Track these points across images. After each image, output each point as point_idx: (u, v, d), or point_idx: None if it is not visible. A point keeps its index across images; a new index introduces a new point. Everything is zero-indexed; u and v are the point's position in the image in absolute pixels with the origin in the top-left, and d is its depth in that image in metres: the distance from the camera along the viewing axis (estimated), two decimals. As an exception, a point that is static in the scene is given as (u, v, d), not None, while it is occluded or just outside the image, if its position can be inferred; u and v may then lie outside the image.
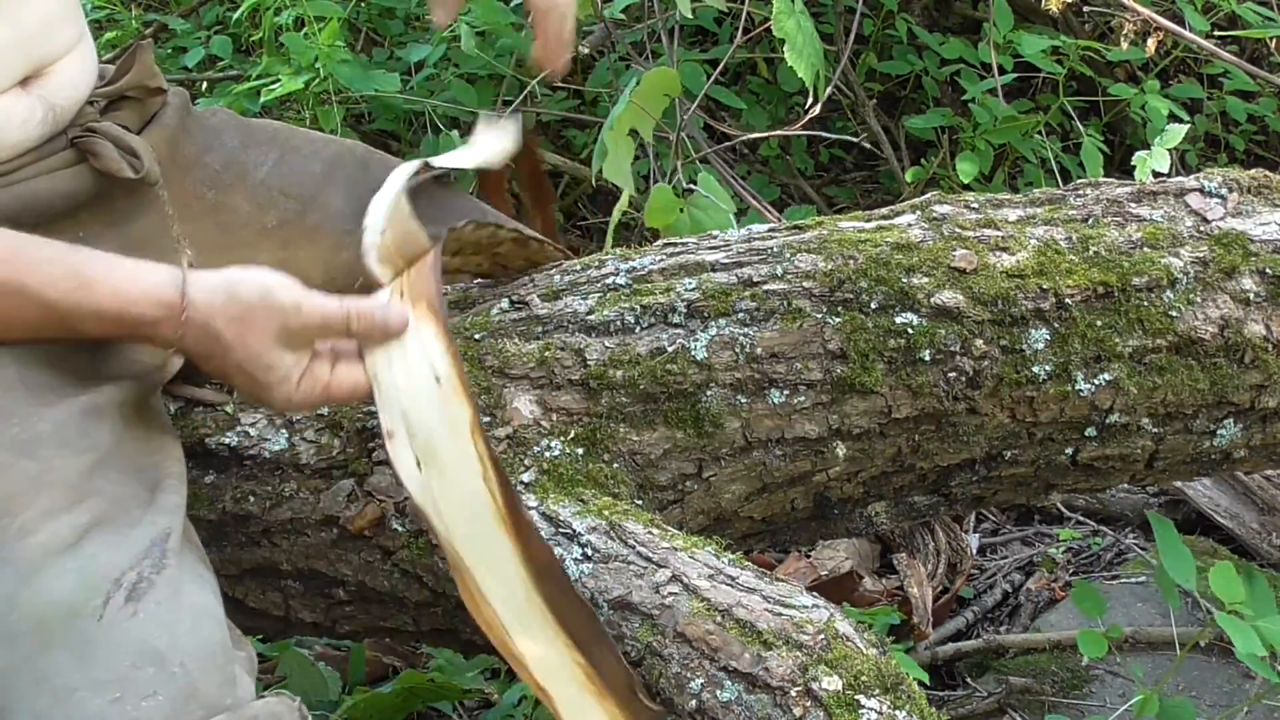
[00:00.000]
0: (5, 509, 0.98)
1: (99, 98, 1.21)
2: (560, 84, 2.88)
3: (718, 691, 1.06)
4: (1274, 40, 2.61)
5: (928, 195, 1.44)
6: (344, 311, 1.11)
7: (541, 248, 1.44)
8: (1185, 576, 1.49)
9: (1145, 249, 1.35)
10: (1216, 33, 2.69)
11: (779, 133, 2.59)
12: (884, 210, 1.43)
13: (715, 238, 1.41)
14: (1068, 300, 1.31)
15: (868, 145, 2.84)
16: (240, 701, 1.00)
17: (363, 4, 2.83)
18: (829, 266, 1.32)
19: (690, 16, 2.15)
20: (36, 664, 0.95)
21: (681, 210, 1.82)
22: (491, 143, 1.42)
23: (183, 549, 1.04)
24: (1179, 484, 2.14)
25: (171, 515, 1.04)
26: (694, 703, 1.07)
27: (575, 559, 1.15)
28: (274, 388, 1.09)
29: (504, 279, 1.42)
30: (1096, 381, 1.32)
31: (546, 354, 1.28)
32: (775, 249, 1.34)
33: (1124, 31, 2.32)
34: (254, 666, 1.06)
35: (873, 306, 1.30)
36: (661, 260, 1.36)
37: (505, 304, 1.34)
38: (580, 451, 1.26)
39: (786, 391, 1.29)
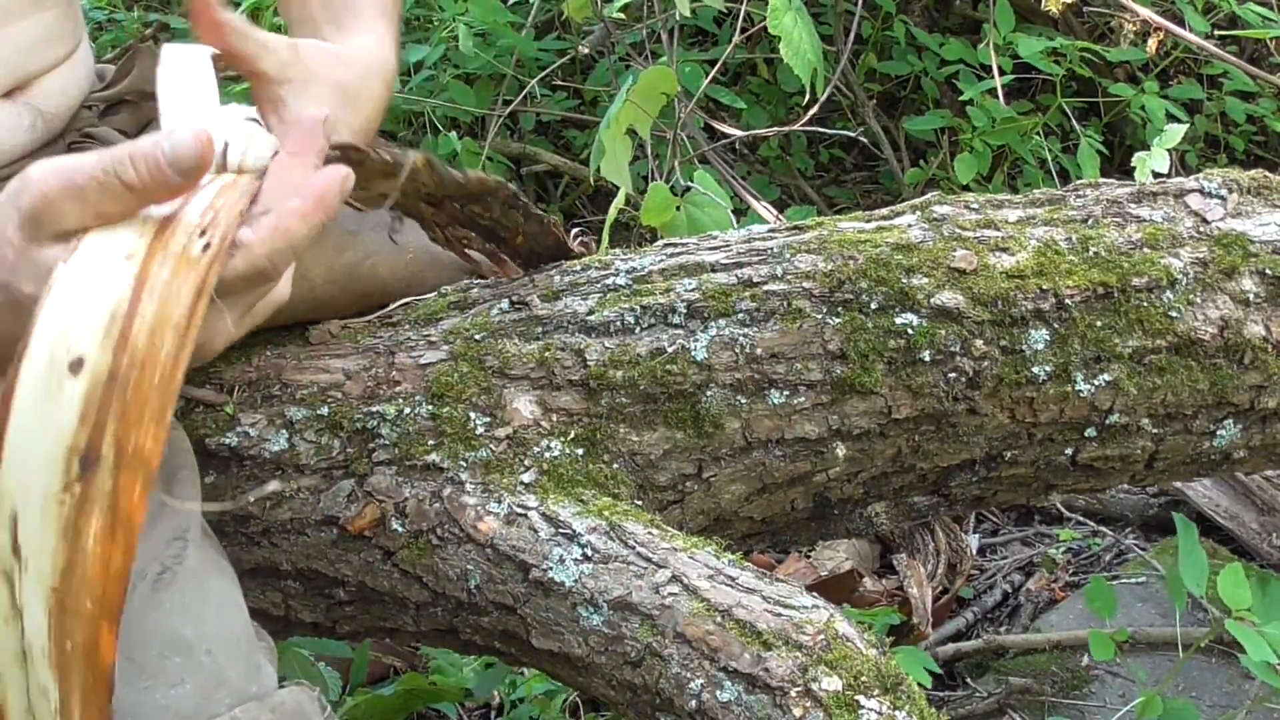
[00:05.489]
0: None
1: (96, 102, 1.21)
2: (560, 84, 2.88)
3: (717, 692, 1.06)
4: (1274, 40, 2.61)
5: (928, 195, 1.44)
6: (103, 166, 0.79)
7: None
8: (1197, 582, 1.49)
9: (1145, 249, 1.35)
10: (1216, 33, 2.69)
11: (776, 130, 2.59)
12: (884, 210, 1.43)
13: (715, 238, 1.41)
14: (1067, 301, 1.31)
15: (866, 141, 2.83)
16: (266, 690, 1.00)
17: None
18: (829, 267, 1.31)
19: (689, 16, 2.15)
20: None
21: (678, 209, 1.81)
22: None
23: (203, 540, 1.04)
24: (1179, 484, 2.14)
25: (190, 506, 1.04)
26: (694, 703, 1.07)
27: (575, 559, 1.15)
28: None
29: (504, 278, 1.42)
30: (1096, 382, 1.32)
31: (546, 354, 1.28)
32: (775, 249, 1.34)
33: (1124, 32, 2.32)
34: (275, 657, 1.07)
35: (873, 307, 1.30)
36: (661, 260, 1.36)
37: (505, 304, 1.34)
38: (580, 452, 1.26)
39: (786, 392, 1.29)
